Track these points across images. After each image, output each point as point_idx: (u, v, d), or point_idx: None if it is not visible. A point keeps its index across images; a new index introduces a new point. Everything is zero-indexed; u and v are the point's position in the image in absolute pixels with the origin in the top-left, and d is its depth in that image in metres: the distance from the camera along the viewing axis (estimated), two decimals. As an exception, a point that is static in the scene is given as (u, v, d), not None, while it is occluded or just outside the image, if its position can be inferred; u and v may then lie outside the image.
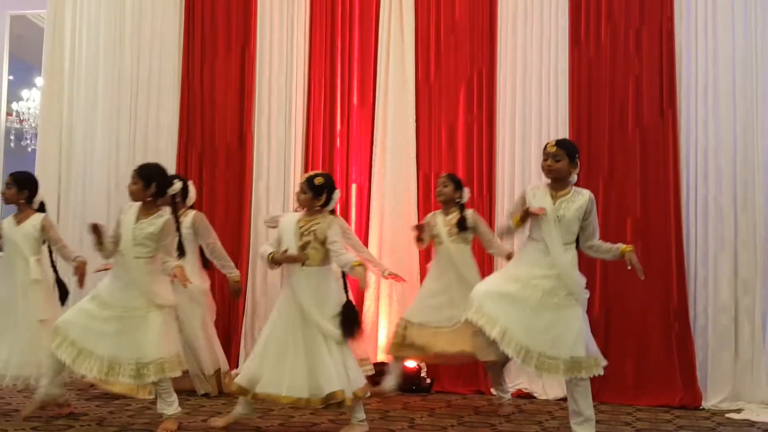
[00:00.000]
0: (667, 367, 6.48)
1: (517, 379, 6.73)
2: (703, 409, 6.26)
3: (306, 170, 7.37)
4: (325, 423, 5.32)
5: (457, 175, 6.40)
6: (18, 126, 9.16)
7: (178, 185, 5.22)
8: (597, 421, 4.88)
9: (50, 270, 5.73)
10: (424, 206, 7.21)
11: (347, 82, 7.59)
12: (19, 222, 5.65)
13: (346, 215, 7.25)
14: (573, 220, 4.66)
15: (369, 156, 7.46)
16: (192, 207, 6.58)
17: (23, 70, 9.28)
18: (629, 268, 4.77)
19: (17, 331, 5.46)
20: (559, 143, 4.79)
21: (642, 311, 6.59)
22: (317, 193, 5.00)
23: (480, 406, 6.11)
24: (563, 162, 4.69)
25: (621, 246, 4.80)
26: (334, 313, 4.86)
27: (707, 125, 6.74)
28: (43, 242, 5.69)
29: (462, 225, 6.06)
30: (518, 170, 7.06)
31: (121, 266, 5.03)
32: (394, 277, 6.63)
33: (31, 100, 9.29)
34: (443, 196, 6.19)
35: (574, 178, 4.83)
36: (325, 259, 4.99)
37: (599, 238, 4.84)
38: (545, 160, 4.76)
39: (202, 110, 7.82)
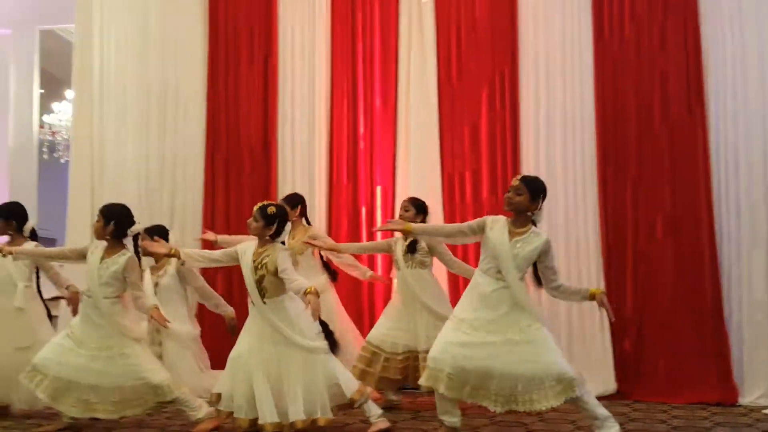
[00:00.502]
0: (702, 365, 6.43)
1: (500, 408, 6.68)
2: (740, 405, 6.21)
3: (330, 174, 7.50)
4: (357, 423, 5.30)
5: (419, 200, 6.34)
6: (50, 138, 9.30)
7: (138, 226, 5.27)
8: (633, 420, 4.94)
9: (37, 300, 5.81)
10: (448, 207, 7.24)
11: (369, 85, 7.63)
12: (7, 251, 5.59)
13: (371, 217, 7.31)
14: (526, 261, 4.66)
15: (393, 158, 7.46)
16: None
17: (53, 83, 9.33)
18: (600, 310, 5.00)
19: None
20: (523, 179, 4.79)
21: (675, 309, 6.55)
22: (268, 222, 5.02)
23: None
24: (524, 197, 4.67)
25: (590, 289, 4.86)
26: (317, 330, 4.97)
27: (737, 120, 6.70)
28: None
29: (412, 248, 6.01)
30: (543, 170, 6.90)
31: (90, 307, 5.06)
32: (376, 279, 6.72)
33: (62, 113, 9.41)
34: (404, 220, 6.08)
35: (538, 218, 4.80)
36: (283, 287, 5.01)
37: (562, 283, 4.84)
38: (507, 191, 4.78)
39: (227, 118, 7.87)
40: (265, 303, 4.94)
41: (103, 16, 8.15)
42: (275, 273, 4.92)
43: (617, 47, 6.99)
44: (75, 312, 5.48)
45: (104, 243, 5.14)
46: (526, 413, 4.64)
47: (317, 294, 4.80)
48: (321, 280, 6.48)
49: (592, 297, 4.76)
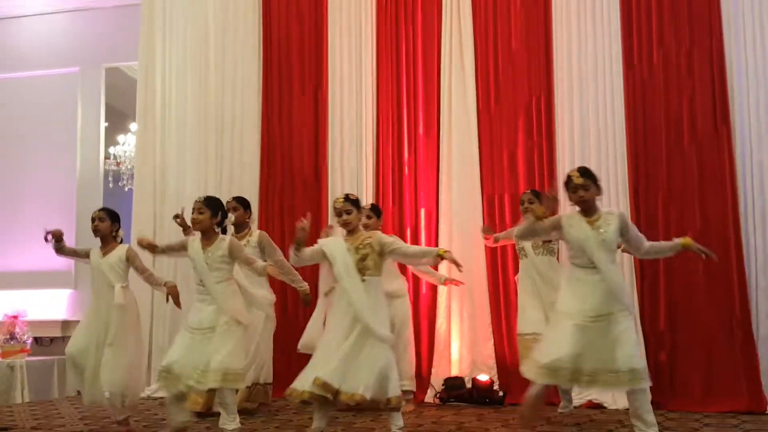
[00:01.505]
0: (732, 375, 6.38)
1: (587, 390, 6.51)
2: None
3: (377, 198, 7.48)
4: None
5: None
6: (115, 168, 9.32)
7: (231, 217, 5.46)
8: (666, 429, 4.89)
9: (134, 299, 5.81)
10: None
11: (413, 114, 7.67)
12: (105, 253, 5.66)
13: (415, 239, 7.32)
14: (614, 240, 4.62)
15: (435, 182, 7.48)
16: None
17: (118, 117, 9.57)
18: (704, 257, 4.80)
19: (98, 354, 5.48)
20: (583, 173, 4.71)
21: (706, 321, 6.51)
22: (360, 210, 5.13)
23: (552, 416, 6.00)
24: (591, 189, 4.66)
25: (680, 240, 4.77)
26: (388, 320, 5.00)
27: (761, 138, 6.72)
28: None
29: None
30: None
31: (204, 294, 5.12)
32: (452, 282, 6.67)
33: (126, 144, 9.41)
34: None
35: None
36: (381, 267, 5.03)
37: (649, 240, 4.79)
38: (574, 192, 4.68)
39: (281, 148, 7.99)
40: (364, 281, 4.88)
41: (165, 53, 8.40)
42: (380, 252, 4.93)
43: (646, 72, 7.00)
44: (177, 303, 5.57)
45: (198, 234, 5.21)
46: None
47: (442, 256, 4.88)
48: (398, 283, 6.54)
49: (684, 247, 4.72)
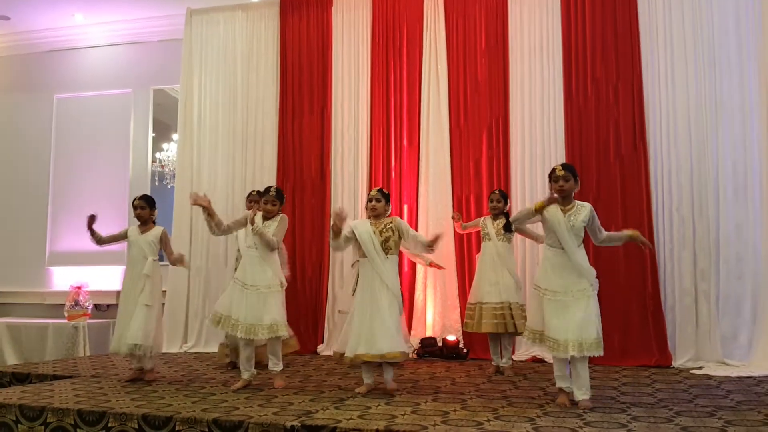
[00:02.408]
0: (645, 337, 6.54)
1: (530, 348, 6.79)
2: (674, 367, 6.34)
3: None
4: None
5: (504, 192, 6.35)
6: (160, 170, 9.38)
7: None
8: (593, 378, 4.80)
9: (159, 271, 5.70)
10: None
11: (399, 129, 7.73)
12: (143, 232, 5.64)
13: None
14: (581, 227, 4.46)
15: (416, 183, 7.55)
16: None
17: (163, 128, 9.58)
18: (643, 246, 4.77)
19: (133, 312, 5.46)
20: (565, 167, 4.53)
21: (625, 295, 6.63)
22: (388, 201, 5.13)
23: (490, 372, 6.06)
24: (571, 182, 4.48)
25: (628, 232, 4.63)
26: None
27: (670, 154, 6.82)
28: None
29: (508, 227, 5.94)
30: (528, 193, 7.17)
31: (254, 257, 5.12)
32: (435, 266, 6.61)
33: (169, 151, 9.47)
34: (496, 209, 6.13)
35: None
36: (398, 247, 4.99)
37: (606, 234, 4.61)
38: (556, 182, 4.49)
39: (294, 155, 8.06)
40: (387, 258, 4.88)
41: (201, 78, 8.52)
42: (399, 235, 4.93)
43: (582, 102, 7.08)
44: (184, 264, 5.63)
45: (260, 213, 5.21)
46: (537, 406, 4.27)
47: (438, 239, 4.86)
48: None
49: (631, 238, 4.58)
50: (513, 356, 6.39)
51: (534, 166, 7.25)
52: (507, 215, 6.12)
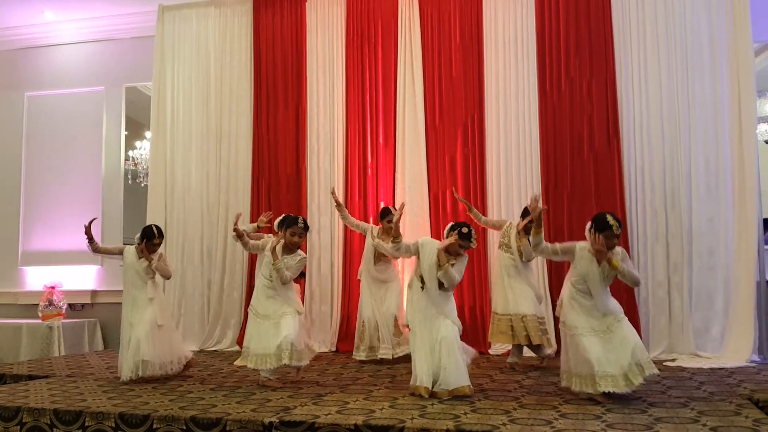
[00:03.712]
0: None
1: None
2: None
3: (346, 193, 7.58)
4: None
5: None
6: (133, 168, 9.34)
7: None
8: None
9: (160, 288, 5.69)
10: (434, 217, 7.38)
11: (375, 127, 7.77)
12: (141, 257, 5.55)
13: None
14: (614, 276, 4.35)
15: (392, 181, 7.59)
16: None
17: (136, 126, 9.55)
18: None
19: (139, 329, 5.37)
20: (620, 226, 4.33)
21: None
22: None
23: (482, 362, 6.19)
24: (617, 240, 4.32)
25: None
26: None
27: (643, 149, 6.97)
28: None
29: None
30: (503, 188, 7.23)
31: (270, 288, 5.12)
32: None
33: (142, 149, 9.44)
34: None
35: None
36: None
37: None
38: (609, 239, 4.27)
39: (269, 152, 8.05)
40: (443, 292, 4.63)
41: (174, 75, 8.50)
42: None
43: (556, 98, 7.18)
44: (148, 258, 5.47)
45: (281, 245, 5.15)
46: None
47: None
48: (392, 269, 6.65)
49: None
50: (489, 351, 6.58)
51: (509, 162, 7.34)
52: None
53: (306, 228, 5.26)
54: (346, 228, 7.56)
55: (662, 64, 6.98)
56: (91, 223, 5.71)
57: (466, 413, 3.90)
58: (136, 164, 9.44)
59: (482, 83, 7.47)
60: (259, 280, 5.29)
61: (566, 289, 4.55)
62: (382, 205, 7.42)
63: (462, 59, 7.56)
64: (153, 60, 8.57)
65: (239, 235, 5.34)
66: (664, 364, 6.08)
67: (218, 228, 8.12)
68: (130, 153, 9.46)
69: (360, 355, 6.45)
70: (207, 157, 8.30)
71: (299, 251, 5.26)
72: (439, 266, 4.57)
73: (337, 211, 6.85)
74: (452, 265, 4.59)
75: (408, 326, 4.79)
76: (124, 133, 9.20)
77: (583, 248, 4.43)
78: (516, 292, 5.91)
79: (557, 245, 4.51)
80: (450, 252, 4.61)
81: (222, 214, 8.11)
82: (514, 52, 7.44)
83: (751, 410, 3.90)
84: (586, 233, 4.39)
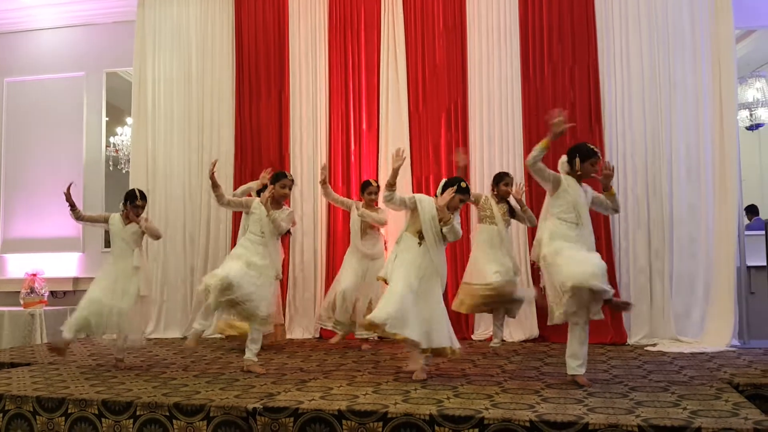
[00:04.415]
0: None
1: (488, 329, 6.87)
2: (629, 344, 6.47)
3: (330, 179, 7.28)
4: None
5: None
6: (114, 155, 9.25)
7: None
8: (550, 356, 5.04)
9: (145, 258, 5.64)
10: None
11: (358, 113, 7.73)
12: (127, 223, 5.48)
13: None
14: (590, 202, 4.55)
15: (375, 167, 7.58)
16: None
17: (117, 112, 9.50)
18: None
19: (122, 301, 5.30)
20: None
21: None
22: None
23: (464, 346, 5.95)
24: None
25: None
26: None
27: (624, 135, 6.97)
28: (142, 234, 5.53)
29: (512, 213, 6.25)
30: (487, 175, 7.12)
31: (260, 244, 5.15)
32: None
33: (123, 135, 9.33)
34: None
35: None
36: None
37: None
38: (606, 170, 4.63)
39: (251, 139, 8.00)
40: (444, 242, 4.66)
41: (155, 60, 8.42)
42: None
43: (539, 83, 7.17)
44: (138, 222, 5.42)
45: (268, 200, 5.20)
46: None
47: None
48: (381, 245, 6.67)
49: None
50: (473, 336, 6.59)
51: (492, 147, 7.34)
52: (508, 201, 6.28)
53: (293, 181, 5.53)
54: (329, 215, 7.59)
55: (644, 50, 7.00)
56: (69, 187, 5.54)
57: (449, 398, 3.92)
58: (117, 150, 9.43)
59: (465, 69, 7.46)
60: (245, 240, 5.26)
61: (546, 228, 4.56)
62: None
63: (445, 45, 7.55)
64: (134, 45, 8.50)
65: (215, 185, 5.24)
66: (646, 348, 6.15)
67: (201, 215, 8.09)
68: (112, 139, 9.43)
69: (326, 324, 6.57)
70: (189, 144, 8.24)
71: (284, 206, 5.41)
72: (441, 221, 4.63)
73: (321, 189, 6.82)
74: None
75: (386, 280, 4.75)
76: (105, 119, 9.14)
77: (567, 177, 4.60)
78: (505, 263, 6.05)
79: (550, 172, 4.63)
80: (450, 207, 4.68)
81: (204, 200, 8.07)
82: (497, 38, 7.44)
83: (731, 394, 3.94)
84: (577, 165, 4.60)
